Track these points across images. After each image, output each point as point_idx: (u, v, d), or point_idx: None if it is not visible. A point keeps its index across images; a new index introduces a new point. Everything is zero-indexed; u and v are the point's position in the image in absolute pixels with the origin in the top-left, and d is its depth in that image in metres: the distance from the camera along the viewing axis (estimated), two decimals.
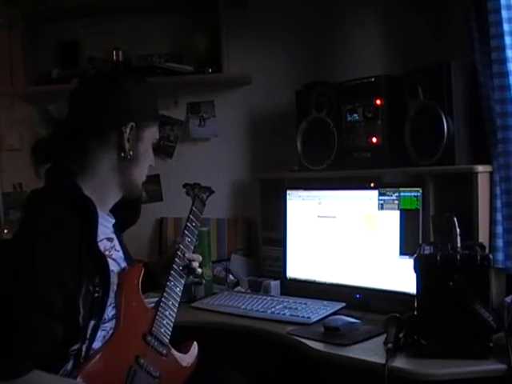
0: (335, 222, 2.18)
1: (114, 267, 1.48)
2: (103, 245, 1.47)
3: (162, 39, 2.73)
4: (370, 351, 1.61)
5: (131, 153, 1.48)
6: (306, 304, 2.04)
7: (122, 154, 1.48)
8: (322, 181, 2.30)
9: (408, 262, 1.75)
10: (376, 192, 2.07)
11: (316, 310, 1.97)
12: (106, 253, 1.47)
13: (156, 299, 1.60)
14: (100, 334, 1.40)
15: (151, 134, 1.55)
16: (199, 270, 1.71)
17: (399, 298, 1.91)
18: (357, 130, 2.21)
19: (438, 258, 1.55)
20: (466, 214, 1.87)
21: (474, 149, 2.01)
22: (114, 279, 1.45)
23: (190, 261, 1.67)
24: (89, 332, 1.36)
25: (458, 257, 1.54)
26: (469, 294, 1.51)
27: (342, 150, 2.25)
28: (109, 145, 1.47)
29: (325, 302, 2.04)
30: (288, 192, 2.34)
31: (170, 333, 1.54)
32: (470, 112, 2.00)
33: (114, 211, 1.56)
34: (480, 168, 1.92)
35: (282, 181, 2.43)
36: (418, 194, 1.97)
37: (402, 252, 1.98)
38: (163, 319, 1.54)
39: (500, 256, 1.91)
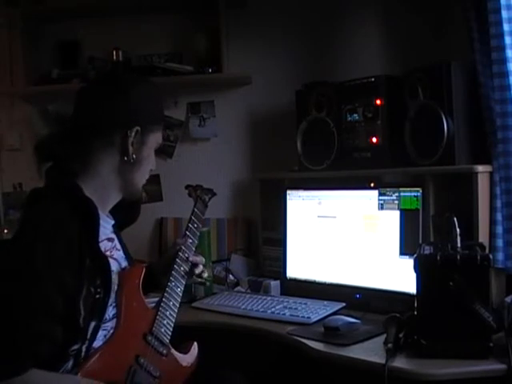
0: (335, 222, 2.18)
1: (114, 267, 1.48)
2: (104, 245, 1.47)
3: (162, 39, 2.73)
4: (370, 351, 1.61)
5: (134, 156, 1.48)
6: (306, 304, 2.04)
7: (125, 158, 1.47)
8: (322, 181, 2.30)
9: (408, 262, 1.75)
10: (376, 192, 2.07)
11: (316, 310, 1.97)
12: (107, 253, 1.47)
13: (157, 299, 1.60)
14: (101, 333, 1.40)
15: (155, 138, 1.55)
16: (205, 275, 1.71)
17: (399, 298, 1.91)
18: (357, 130, 2.21)
19: (438, 258, 1.55)
20: (466, 213, 1.87)
21: (474, 149, 2.01)
22: (114, 279, 1.45)
23: (194, 264, 1.67)
24: (89, 333, 1.36)
25: (458, 257, 1.54)
26: (469, 294, 1.51)
27: (342, 150, 2.25)
28: (112, 147, 1.47)
29: (325, 302, 2.04)
30: (288, 192, 2.34)
31: (170, 333, 1.54)
32: (470, 112, 2.00)
33: (113, 211, 1.56)
34: (480, 168, 1.92)
35: (282, 181, 2.43)
36: (418, 194, 1.97)
37: (402, 252, 1.98)
38: (164, 319, 1.54)
39: (500, 256, 1.91)
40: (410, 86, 2.06)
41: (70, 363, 1.34)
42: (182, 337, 1.60)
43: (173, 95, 2.70)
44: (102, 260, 1.40)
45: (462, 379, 1.47)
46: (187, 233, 1.72)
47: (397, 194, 2.02)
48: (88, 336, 1.36)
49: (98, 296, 1.37)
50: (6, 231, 2.67)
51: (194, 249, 1.72)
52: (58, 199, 1.38)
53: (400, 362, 1.52)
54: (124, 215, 1.60)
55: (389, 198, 2.03)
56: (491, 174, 1.95)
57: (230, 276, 2.49)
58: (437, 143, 1.98)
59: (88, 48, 2.75)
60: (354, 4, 2.54)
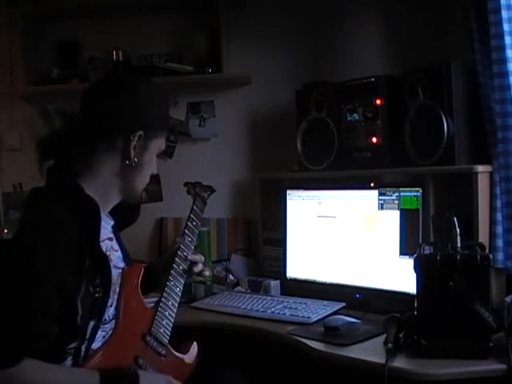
0: (335, 222, 2.18)
1: (112, 269, 1.48)
2: (105, 245, 1.47)
3: (162, 39, 2.73)
4: (370, 351, 1.61)
5: (136, 160, 1.47)
6: (306, 304, 2.04)
7: (127, 162, 1.47)
8: (322, 181, 2.30)
9: (408, 262, 1.75)
10: (376, 192, 2.07)
11: (316, 310, 1.97)
12: (107, 253, 1.47)
13: (156, 299, 1.60)
14: (100, 334, 1.40)
15: (158, 144, 1.54)
16: (207, 273, 1.71)
17: (399, 298, 1.91)
18: (357, 130, 2.21)
19: (438, 258, 1.55)
20: (466, 213, 1.87)
21: (474, 149, 2.01)
22: (114, 280, 1.45)
23: (193, 262, 1.67)
24: (88, 332, 1.36)
25: (458, 257, 1.54)
26: (469, 294, 1.51)
27: (342, 150, 2.25)
28: (114, 150, 1.46)
29: (325, 302, 2.04)
30: (288, 192, 2.34)
31: (169, 333, 1.54)
32: (470, 112, 2.00)
33: (112, 211, 1.56)
34: (480, 168, 1.92)
35: (282, 181, 2.43)
36: (418, 194, 1.97)
37: (402, 252, 1.98)
38: (163, 319, 1.54)
39: (500, 256, 1.91)
40: (410, 86, 2.06)
41: (69, 362, 1.34)
42: (181, 337, 1.60)
43: (173, 95, 2.70)
44: (103, 259, 1.40)
45: (462, 379, 1.47)
46: (186, 231, 1.71)
47: (397, 194, 2.02)
48: (87, 336, 1.36)
49: (97, 295, 1.37)
50: (5, 231, 2.67)
51: (193, 247, 1.71)
52: (59, 199, 1.38)
53: (400, 362, 1.52)
54: (123, 216, 1.60)
55: (389, 197, 2.03)
56: (491, 173, 1.95)
57: (230, 276, 2.49)
58: (437, 143, 1.98)
59: (88, 48, 2.75)
60: (354, 4, 2.54)
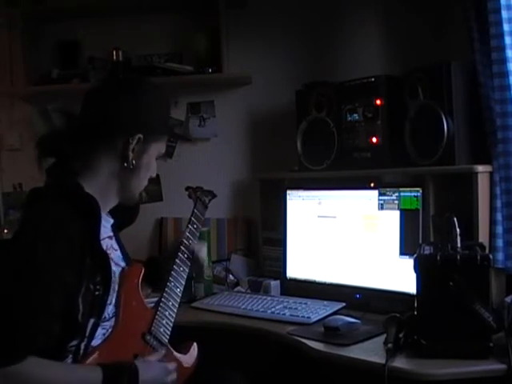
0: (335, 222, 2.18)
1: (113, 267, 1.48)
2: (105, 244, 1.47)
3: (162, 39, 2.73)
4: (370, 351, 1.61)
5: (134, 162, 1.48)
6: (306, 304, 2.04)
7: (125, 164, 1.47)
8: (322, 181, 2.30)
9: (408, 262, 1.75)
10: (376, 192, 2.07)
11: (316, 310, 1.97)
12: (107, 252, 1.47)
13: (156, 299, 1.60)
14: (100, 332, 1.40)
15: (157, 148, 1.54)
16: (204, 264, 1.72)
17: (399, 298, 1.91)
18: (357, 130, 2.21)
19: (438, 257, 1.55)
20: (466, 214, 1.87)
21: (474, 149, 2.01)
22: (114, 279, 1.45)
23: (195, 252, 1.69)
24: (88, 330, 1.37)
25: (458, 257, 1.54)
26: (469, 294, 1.51)
27: (342, 150, 2.25)
28: (114, 151, 1.46)
29: (325, 302, 2.04)
30: (288, 192, 2.34)
31: (169, 333, 1.55)
32: (470, 112, 2.00)
33: (111, 211, 1.56)
34: (480, 168, 1.92)
35: (282, 181, 2.43)
36: (418, 194, 1.97)
37: (402, 252, 1.98)
38: (163, 319, 1.54)
39: (500, 256, 1.91)
40: (410, 86, 2.06)
41: (69, 359, 1.34)
42: (181, 337, 1.60)
43: (173, 95, 2.70)
44: (103, 257, 1.41)
45: (462, 379, 1.47)
46: (187, 233, 1.72)
47: (397, 194, 2.02)
48: (87, 333, 1.36)
49: (97, 293, 1.37)
50: (5, 231, 2.67)
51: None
52: (58, 199, 1.38)
53: (400, 362, 1.52)
54: (123, 216, 1.60)
55: (389, 197, 2.03)
56: (491, 173, 1.95)
57: (230, 276, 2.49)
58: (437, 143, 1.98)
59: (88, 48, 2.75)
60: (354, 4, 2.54)
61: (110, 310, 1.44)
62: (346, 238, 2.14)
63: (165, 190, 2.75)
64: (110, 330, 1.44)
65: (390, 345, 1.55)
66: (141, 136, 1.47)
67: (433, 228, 1.88)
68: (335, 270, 2.17)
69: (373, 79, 2.16)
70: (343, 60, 2.55)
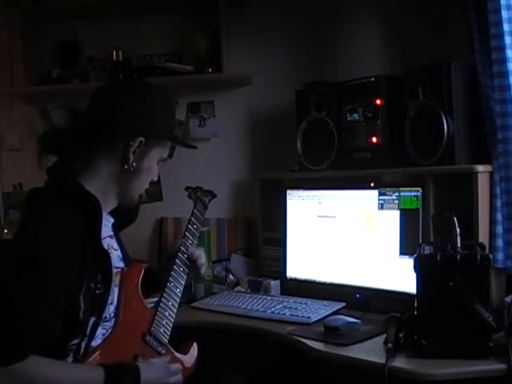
0: (335, 222, 2.18)
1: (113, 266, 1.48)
2: (106, 243, 1.47)
3: (162, 39, 2.73)
4: (370, 351, 1.61)
5: (134, 165, 1.48)
6: (306, 304, 2.04)
7: (125, 166, 1.47)
8: (322, 181, 2.30)
9: (408, 262, 1.75)
10: (376, 192, 2.07)
11: (316, 310, 1.97)
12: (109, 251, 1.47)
13: (156, 299, 1.60)
14: (100, 331, 1.40)
15: (159, 153, 1.55)
16: (203, 269, 1.72)
17: (399, 298, 1.91)
18: (357, 130, 2.21)
19: (438, 258, 1.55)
20: (466, 214, 1.87)
21: (474, 149, 2.01)
22: (115, 278, 1.45)
23: (194, 258, 1.68)
24: (89, 328, 1.37)
25: (458, 257, 1.54)
26: (469, 294, 1.51)
27: (342, 150, 2.25)
28: (114, 153, 1.47)
29: (325, 302, 2.04)
30: (288, 192, 2.34)
31: (169, 333, 1.55)
32: (470, 112, 2.00)
33: (111, 212, 1.56)
34: (480, 168, 1.92)
35: (282, 181, 2.43)
36: (418, 193, 1.97)
37: (402, 252, 1.98)
38: (162, 319, 1.54)
39: (500, 256, 1.91)
40: (410, 86, 2.06)
41: (70, 359, 1.34)
42: (181, 337, 1.60)
43: (173, 95, 2.69)
44: (104, 256, 1.41)
45: (462, 379, 1.47)
46: (187, 233, 1.72)
47: (397, 194, 2.02)
48: (87, 332, 1.37)
49: (97, 291, 1.38)
50: (5, 231, 2.67)
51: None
52: (59, 198, 1.38)
53: (400, 362, 1.52)
54: (122, 216, 1.60)
55: (389, 197, 2.03)
56: (491, 173, 1.95)
57: (230, 276, 2.49)
58: (437, 143, 1.98)
59: (88, 48, 2.75)
60: (354, 4, 2.54)
61: (111, 310, 1.44)
62: (346, 238, 2.14)
63: (165, 189, 2.75)
64: (109, 330, 1.44)
65: (389, 345, 1.55)
66: (142, 139, 1.47)
67: (433, 228, 1.88)
68: (335, 270, 2.17)
69: (373, 79, 2.16)
70: (343, 60, 2.55)
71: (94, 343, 1.39)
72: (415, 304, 1.60)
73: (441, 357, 1.51)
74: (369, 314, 1.92)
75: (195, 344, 1.64)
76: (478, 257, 1.53)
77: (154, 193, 2.73)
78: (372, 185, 2.10)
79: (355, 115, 2.21)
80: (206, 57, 2.59)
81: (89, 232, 1.37)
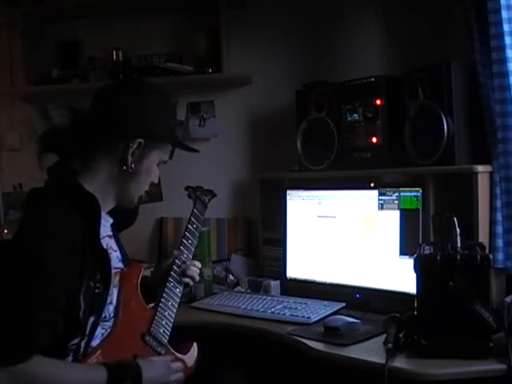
0: (335, 222, 2.18)
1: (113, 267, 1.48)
2: (105, 242, 1.47)
3: (162, 39, 2.73)
4: (370, 351, 1.61)
5: (133, 166, 1.48)
6: (306, 304, 2.04)
7: (124, 167, 1.47)
8: (322, 181, 2.30)
9: (408, 262, 1.75)
10: (376, 192, 2.07)
11: (316, 310, 1.97)
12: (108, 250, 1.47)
13: (152, 305, 1.60)
14: (99, 331, 1.41)
15: (159, 155, 1.54)
16: (196, 276, 1.70)
17: (399, 298, 1.91)
18: (357, 130, 2.21)
19: (438, 258, 1.55)
20: (466, 213, 1.87)
21: (474, 149, 2.01)
22: (114, 278, 1.45)
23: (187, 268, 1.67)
24: (88, 328, 1.37)
25: (458, 257, 1.54)
26: (469, 294, 1.51)
27: (342, 150, 2.25)
28: (114, 153, 1.47)
29: (325, 302, 2.04)
30: (288, 192, 2.34)
31: (168, 333, 1.55)
32: (470, 112, 2.00)
33: (111, 213, 1.56)
34: (480, 168, 1.92)
35: (282, 181, 2.43)
36: (418, 193, 1.97)
37: (402, 252, 1.98)
38: (162, 319, 1.54)
39: (500, 256, 1.91)
40: (410, 86, 2.06)
41: (70, 358, 1.35)
42: (181, 337, 1.60)
43: (173, 95, 2.69)
44: (103, 255, 1.41)
45: (462, 379, 1.47)
46: (186, 233, 1.72)
47: (397, 194, 2.01)
48: (87, 331, 1.37)
49: (97, 291, 1.38)
50: (5, 231, 2.67)
51: (193, 249, 1.72)
52: (59, 198, 1.38)
53: (400, 362, 1.52)
54: (122, 217, 1.60)
55: (389, 197, 2.03)
56: (491, 173, 1.95)
57: (230, 276, 2.49)
58: (437, 143, 1.98)
59: (88, 48, 2.75)
60: (354, 4, 2.54)
61: (110, 310, 1.44)
62: (346, 238, 2.14)
63: (165, 189, 2.75)
64: (108, 330, 1.44)
65: (390, 345, 1.55)
66: (141, 141, 1.47)
67: (433, 228, 1.88)
68: (335, 270, 2.17)
69: (373, 79, 2.16)
70: (343, 60, 2.55)
71: (94, 343, 1.39)
72: (415, 304, 1.60)
73: (441, 357, 1.51)
74: (369, 314, 1.92)
75: (195, 344, 1.64)
76: (478, 257, 1.53)
77: (154, 193, 2.73)
78: (372, 185, 2.10)
79: (355, 115, 2.21)
80: (206, 57, 2.59)
81: (88, 232, 1.37)
